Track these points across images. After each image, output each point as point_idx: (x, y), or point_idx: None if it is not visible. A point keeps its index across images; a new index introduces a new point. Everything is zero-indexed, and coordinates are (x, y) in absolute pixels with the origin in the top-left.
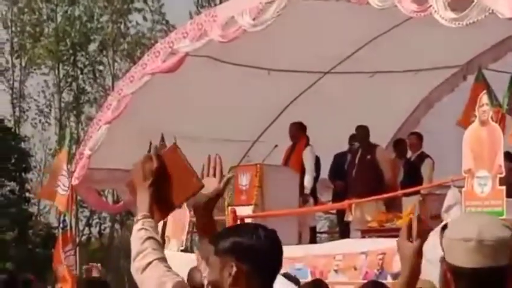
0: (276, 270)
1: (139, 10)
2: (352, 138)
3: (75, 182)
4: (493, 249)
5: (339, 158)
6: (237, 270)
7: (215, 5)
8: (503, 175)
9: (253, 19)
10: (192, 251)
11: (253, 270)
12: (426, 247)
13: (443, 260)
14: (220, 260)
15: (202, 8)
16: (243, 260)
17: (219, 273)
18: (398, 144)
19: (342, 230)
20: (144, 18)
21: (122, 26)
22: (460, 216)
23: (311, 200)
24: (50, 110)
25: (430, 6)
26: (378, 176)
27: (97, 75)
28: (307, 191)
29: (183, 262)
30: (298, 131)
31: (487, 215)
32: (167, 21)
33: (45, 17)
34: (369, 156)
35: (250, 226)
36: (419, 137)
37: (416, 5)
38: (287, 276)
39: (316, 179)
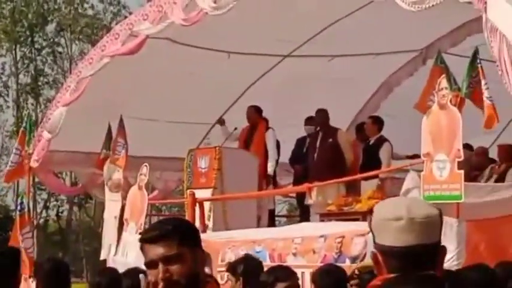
0: None
1: None
2: (308, 121)
3: (34, 164)
4: (423, 226)
5: (300, 143)
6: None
7: None
8: (461, 159)
9: (214, 2)
10: None
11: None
12: None
13: (374, 241)
14: (192, 251)
15: None
16: (200, 245)
17: (193, 264)
18: (360, 128)
19: (302, 213)
20: (101, 0)
21: (79, 8)
22: (385, 200)
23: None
24: (8, 92)
25: None
26: (339, 159)
27: (57, 57)
28: (270, 173)
29: None
30: (257, 114)
31: (412, 198)
32: (119, 2)
33: None
34: (330, 140)
35: (175, 217)
36: (375, 120)
37: None
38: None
39: (276, 162)
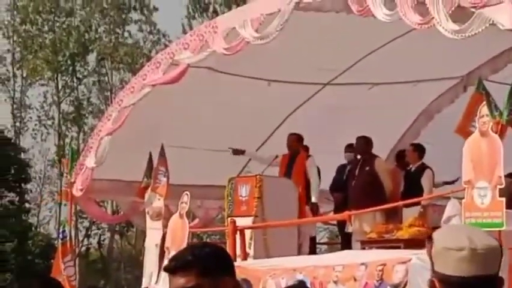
0: None
1: (135, 21)
2: (348, 148)
3: (78, 193)
4: (484, 257)
5: (340, 170)
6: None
7: (207, 16)
8: (503, 186)
9: (256, 30)
10: None
11: (235, 282)
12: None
13: (432, 270)
14: (214, 282)
15: (194, 20)
16: (232, 274)
17: None
18: (401, 156)
19: (344, 241)
20: (140, 29)
21: (120, 37)
22: (445, 228)
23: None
24: (52, 121)
25: (433, 18)
26: (377, 187)
27: (102, 86)
28: (315, 201)
29: None
30: (298, 142)
31: (472, 226)
32: (158, 30)
33: (45, 28)
34: (367, 168)
35: (206, 243)
36: (416, 148)
37: (420, 17)
38: (302, 285)
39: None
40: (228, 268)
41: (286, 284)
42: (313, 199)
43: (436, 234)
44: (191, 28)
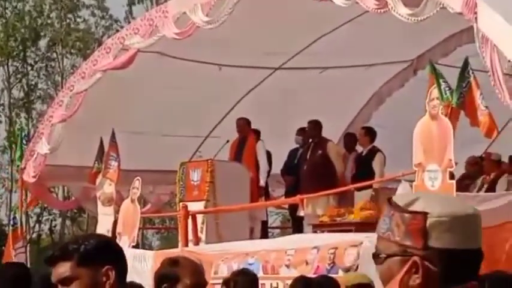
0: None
1: (87, 6)
2: (299, 131)
3: (31, 180)
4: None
5: (292, 154)
6: (114, 275)
7: (151, 2)
8: (453, 169)
9: (207, 15)
10: (143, 247)
11: (122, 271)
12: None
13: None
14: (93, 272)
15: (134, 6)
16: (115, 263)
17: (94, 286)
18: (348, 138)
19: (295, 225)
20: (93, 14)
21: (72, 22)
22: (426, 196)
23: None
24: (2, 107)
25: (387, 2)
26: (329, 170)
27: (50, 71)
28: (262, 185)
29: (134, 258)
30: (247, 126)
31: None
32: (111, 16)
33: None
34: (320, 151)
35: (93, 234)
36: (367, 131)
37: (375, 2)
38: (246, 272)
39: (267, 174)
40: (111, 258)
41: (238, 267)
42: (261, 182)
43: (422, 204)
44: (132, 14)
